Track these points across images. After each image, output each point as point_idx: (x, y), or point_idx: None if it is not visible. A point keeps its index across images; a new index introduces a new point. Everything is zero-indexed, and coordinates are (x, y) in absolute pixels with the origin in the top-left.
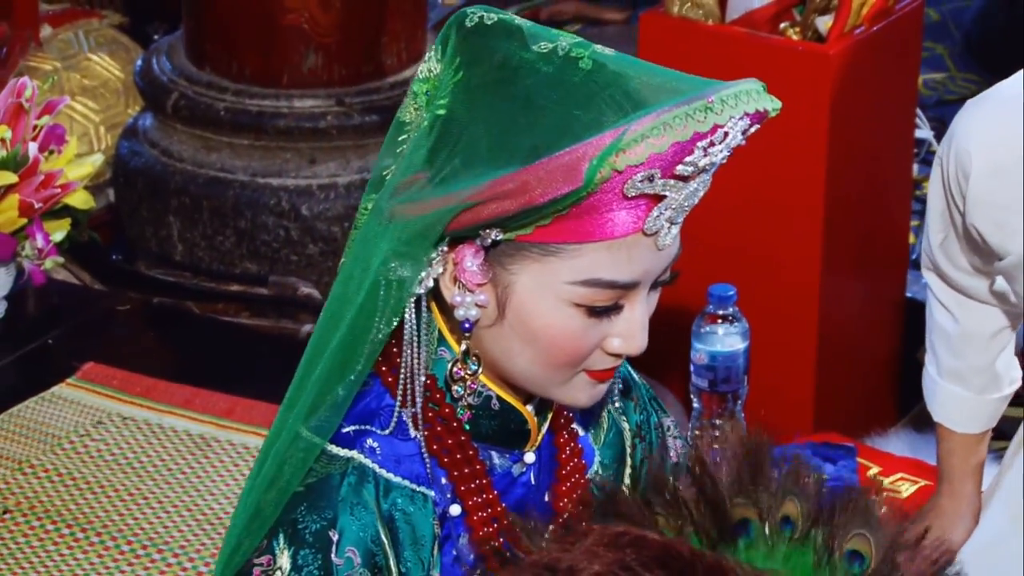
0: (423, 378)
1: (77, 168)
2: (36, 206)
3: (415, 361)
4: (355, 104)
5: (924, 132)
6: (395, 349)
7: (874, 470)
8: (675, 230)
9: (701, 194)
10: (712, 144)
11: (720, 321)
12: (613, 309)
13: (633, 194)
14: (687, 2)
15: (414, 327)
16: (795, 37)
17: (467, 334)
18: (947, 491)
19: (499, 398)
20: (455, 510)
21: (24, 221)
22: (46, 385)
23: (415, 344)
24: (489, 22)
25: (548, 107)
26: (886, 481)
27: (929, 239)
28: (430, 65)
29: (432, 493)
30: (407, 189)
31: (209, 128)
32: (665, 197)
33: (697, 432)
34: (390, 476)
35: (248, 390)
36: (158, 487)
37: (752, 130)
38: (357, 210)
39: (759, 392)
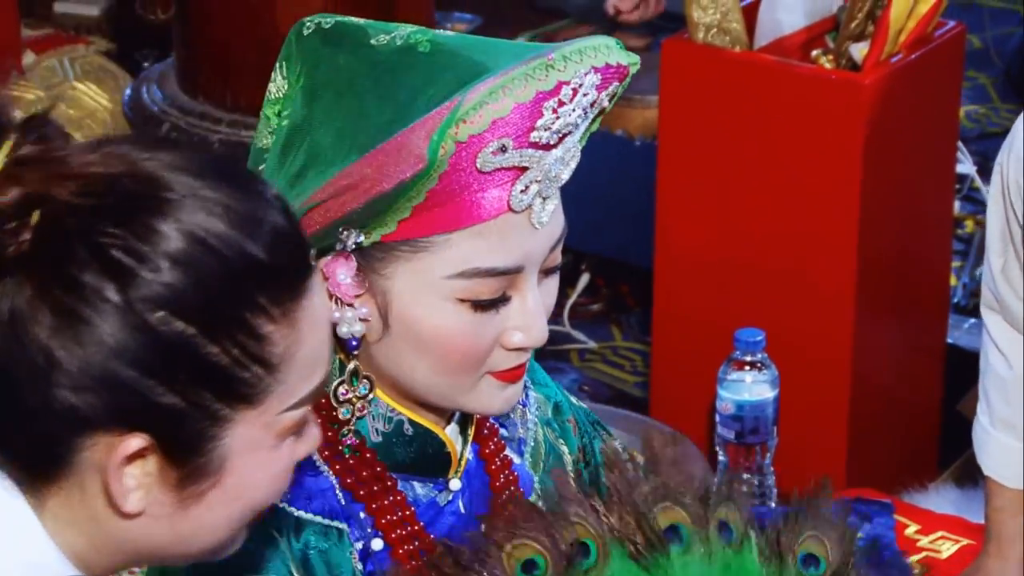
0: None
1: None
2: None
3: None
4: None
5: (966, 167)
6: None
7: (913, 528)
8: (550, 205)
9: (572, 164)
10: (561, 103)
11: (748, 368)
12: (501, 301)
13: (489, 168)
14: (713, 28)
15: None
16: (828, 65)
17: (354, 352)
18: (995, 552)
19: (411, 421)
20: (377, 544)
21: None
22: None
23: None
24: (327, 26)
25: (387, 95)
26: (926, 540)
27: (990, 268)
28: (277, 84)
29: (346, 527)
30: None
31: None
32: (527, 169)
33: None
34: (301, 513)
35: None
36: None
37: (613, 89)
38: None
39: (789, 444)
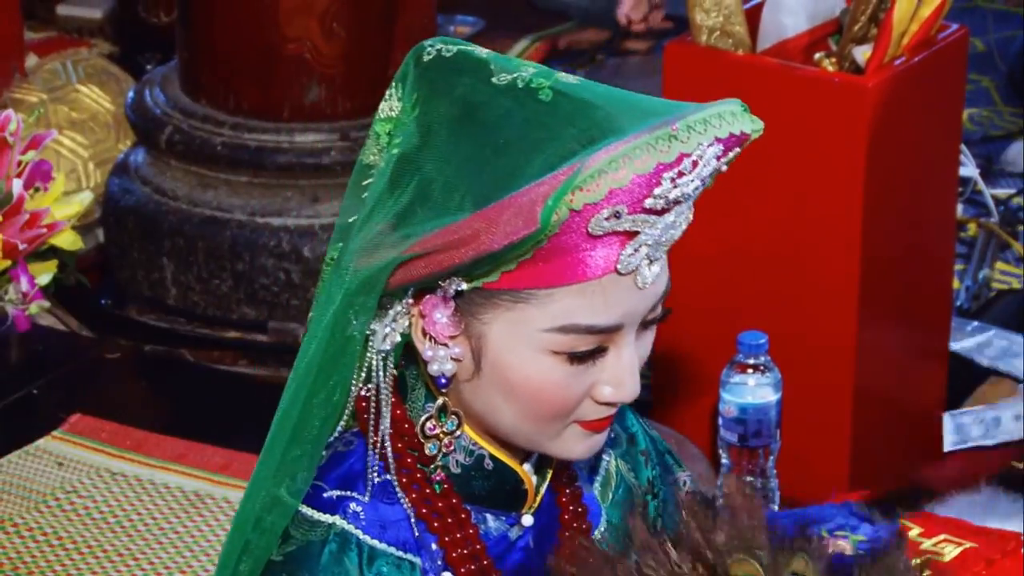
0: (387, 440)
1: (64, 207)
2: (20, 247)
3: (383, 420)
4: (360, 139)
5: (969, 170)
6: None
7: (916, 531)
8: (656, 267)
9: (683, 227)
10: (681, 175)
11: (750, 371)
12: (597, 353)
13: (599, 233)
14: (716, 31)
15: (380, 384)
16: (831, 68)
17: (443, 390)
18: None
19: (492, 456)
20: None
21: (8, 263)
22: (30, 438)
23: (380, 403)
24: (448, 55)
25: (504, 145)
26: (928, 543)
27: None
28: (391, 104)
29: (419, 561)
30: (366, 237)
31: (205, 164)
32: (638, 233)
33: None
34: (375, 543)
35: (245, 444)
36: (149, 547)
37: (731, 155)
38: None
39: (792, 447)
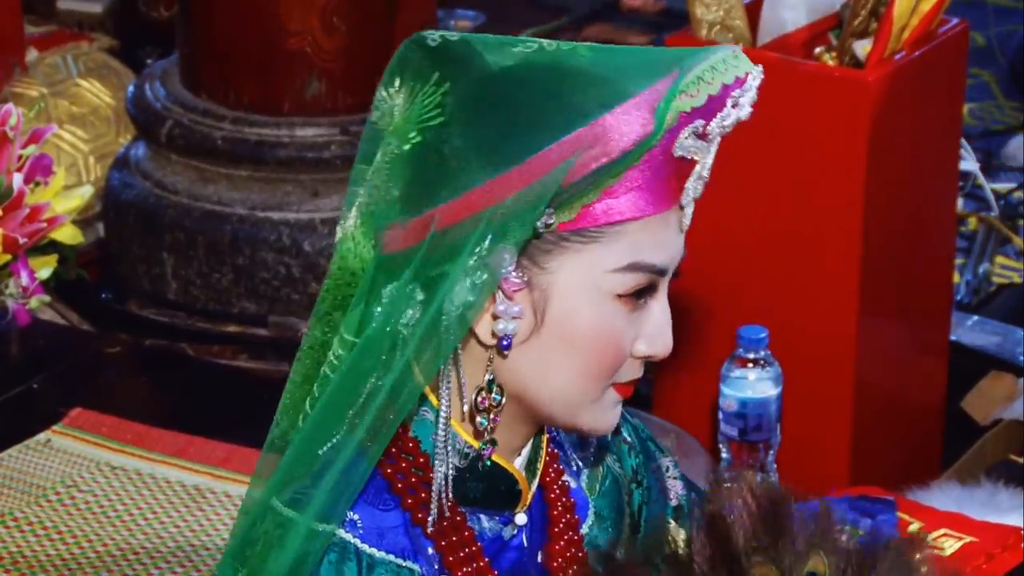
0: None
1: (65, 201)
2: (21, 241)
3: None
4: (361, 133)
5: (969, 164)
6: None
7: (916, 525)
8: (691, 211)
9: (709, 171)
10: (736, 101)
11: (751, 365)
12: (648, 294)
13: (679, 154)
14: (716, 25)
15: (458, 371)
16: (831, 62)
17: (505, 352)
18: None
19: (488, 458)
20: None
21: (8, 257)
22: (31, 432)
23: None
24: (453, 39)
25: (580, 79)
26: (929, 537)
27: None
28: (387, 101)
29: (418, 567)
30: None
31: (205, 159)
32: (696, 164)
33: (713, 485)
34: (373, 551)
35: (246, 438)
36: (150, 541)
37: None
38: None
39: (792, 441)
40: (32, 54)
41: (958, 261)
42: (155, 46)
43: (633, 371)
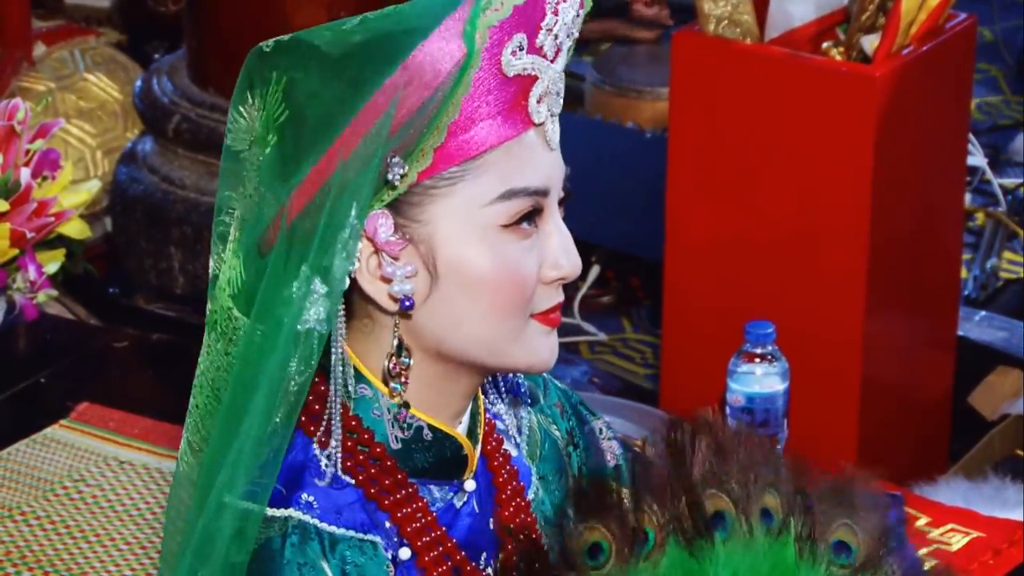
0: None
1: (72, 195)
2: (28, 236)
3: (337, 399)
4: None
5: (977, 159)
6: (310, 397)
7: (923, 520)
8: (556, 125)
9: (562, 85)
10: (556, 8)
11: (758, 360)
12: (536, 216)
13: (511, 72)
14: (723, 20)
15: (339, 358)
16: (839, 57)
17: (408, 311)
18: None
19: (430, 427)
20: (405, 553)
21: (15, 252)
22: (38, 427)
23: (336, 379)
24: (285, 39)
25: (395, 33)
26: (936, 532)
27: None
28: (245, 118)
29: (379, 539)
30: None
31: (213, 153)
32: (538, 78)
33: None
34: (333, 529)
35: None
36: (157, 535)
37: (584, 12)
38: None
39: (799, 436)
40: (40, 49)
41: (965, 256)
42: (162, 41)
43: (550, 298)
